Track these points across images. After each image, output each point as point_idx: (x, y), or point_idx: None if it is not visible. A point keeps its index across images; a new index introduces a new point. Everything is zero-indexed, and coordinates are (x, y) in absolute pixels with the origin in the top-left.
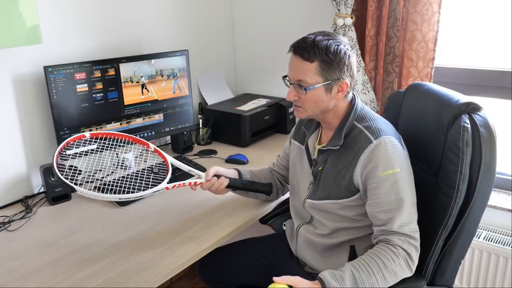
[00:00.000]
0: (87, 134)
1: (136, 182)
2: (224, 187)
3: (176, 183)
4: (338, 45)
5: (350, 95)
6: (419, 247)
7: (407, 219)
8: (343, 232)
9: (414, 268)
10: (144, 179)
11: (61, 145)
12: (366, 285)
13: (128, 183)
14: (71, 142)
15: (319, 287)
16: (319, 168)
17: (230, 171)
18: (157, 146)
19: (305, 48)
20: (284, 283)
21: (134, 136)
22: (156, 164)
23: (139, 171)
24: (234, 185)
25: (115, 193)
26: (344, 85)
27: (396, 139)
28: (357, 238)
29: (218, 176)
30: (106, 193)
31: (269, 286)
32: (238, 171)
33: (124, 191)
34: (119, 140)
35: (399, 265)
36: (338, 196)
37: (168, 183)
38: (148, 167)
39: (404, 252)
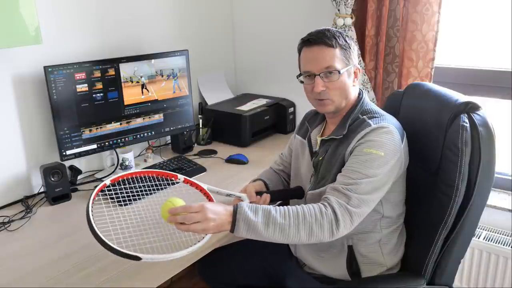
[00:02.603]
0: (107, 181)
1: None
2: (267, 203)
3: None
4: (344, 33)
5: (358, 85)
6: (354, 221)
7: (361, 190)
8: None
9: (337, 235)
10: None
11: (90, 204)
12: (276, 226)
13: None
14: (96, 198)
15: (231, 213)
16: (320, 159)
17: (259, 183)
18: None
19: (325, 36)
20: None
21: (160, 171)
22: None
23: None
24: (274, 198)
25: (177, 248)
26: (358, 70)
27: (397, 133)
28: (354, 237)
29: (258, 193)
30: (172, 251)
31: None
32: (263, 181)
33: (186, 241)
34: (142, 178)
35: (319, 225)
36: (332, 180)
37: None
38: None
39: (332, 214)
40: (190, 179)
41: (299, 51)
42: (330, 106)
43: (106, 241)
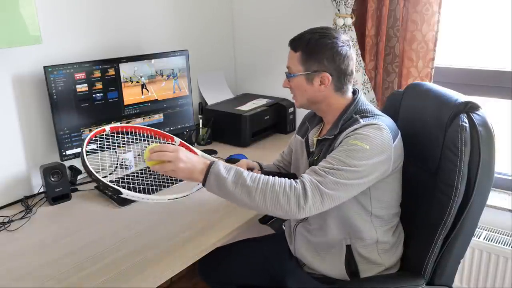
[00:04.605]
0: (107, 128)
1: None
2: None
3: None
4: (322, 37)
5: (347, 90)
6: (325, 202)
7: (338, 175)
8: (334, 226)
9: (304, 210)
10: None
11: (85, 142)
12: (244, 188)
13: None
14: (93, 138)
15: (206, 165)
16: (315, 158)
17: (254, 163)
18: None
19: (294, 40)
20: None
21: (158, 130)
22: None
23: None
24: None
25: (156, 192)
26: (326, 78)
27: (389, 131)
28: (352, 237)
29: (250, 169)
30: (151, 194)
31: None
32: (258, 163)
33: (168, 191)
34: (141, 134)
35: (287, 197)
36: None
37: None
38: None
39: (301, 189)
40: (186, 143)
41: None
42: (296, 102)
43: (94, 172)
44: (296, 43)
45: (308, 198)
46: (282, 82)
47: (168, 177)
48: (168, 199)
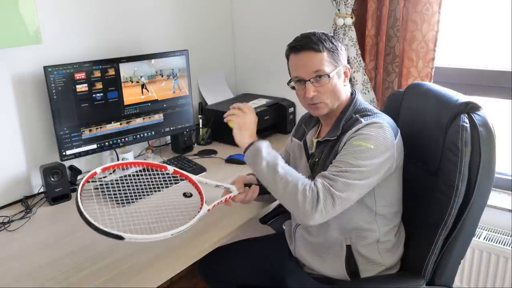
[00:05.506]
0: (98, 170)
1: (176, 212)
2: (256, 195)
3: (215, 202)
4: (330, 34)
5: (349, 85)
6: (336, 205)
7: (347, 176)
8: (336, 227)
9: (315, 215)
10: (181, 206)
11: (79, 192)
12: (272, 171)
13: (169, 214)
14: (86, 183)
15: (254, 139)
16: (316, 160)
17: (250, 176)
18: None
19: (312, 41)
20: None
21: (150, 162)
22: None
23: (172, 200)
24: (264, 191)
25: (163, 230)
26: (347, 70)
27: (390, 128)
28: (352, 237)
29: (247, 185)
30: (155, 233)
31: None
32: (255, 175)
33: (171, 225)
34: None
35: (304, 196)
36: None
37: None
38: (183, 193)
39: (316, 195)
40: (180, 170)
41: (287, 57)
42: (323, 109)
43: (92, 220)
44: (318, 44)
45: (320, 201)
46: (306, 91)
47: (166, 178)
48: (172, 234)
